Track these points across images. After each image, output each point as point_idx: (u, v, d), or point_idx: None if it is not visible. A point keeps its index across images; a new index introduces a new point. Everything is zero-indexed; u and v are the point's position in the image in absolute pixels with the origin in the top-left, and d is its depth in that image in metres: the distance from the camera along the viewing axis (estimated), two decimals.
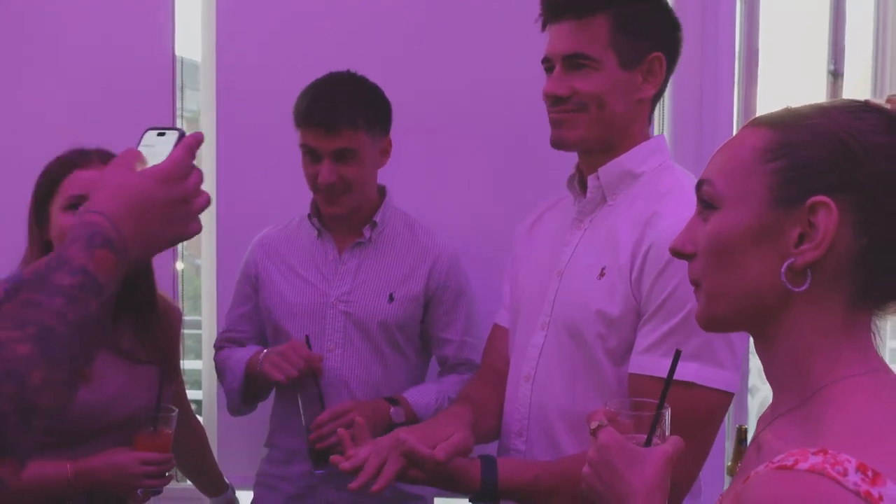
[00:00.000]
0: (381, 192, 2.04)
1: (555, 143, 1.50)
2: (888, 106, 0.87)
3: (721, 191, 0.91)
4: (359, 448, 1.42)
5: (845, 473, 0.75)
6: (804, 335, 0.88)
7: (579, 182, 1.56)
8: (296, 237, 2.05)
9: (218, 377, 2.06)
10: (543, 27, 1.50)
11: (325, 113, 1.86)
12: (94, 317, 0.89)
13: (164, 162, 1.01)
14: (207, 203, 1.06)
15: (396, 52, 2.30)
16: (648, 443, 1.05)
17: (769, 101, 2.42)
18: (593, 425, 1.05)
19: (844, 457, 0.76)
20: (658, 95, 1.52)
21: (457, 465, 1.40)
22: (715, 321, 0.95)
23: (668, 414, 1.08)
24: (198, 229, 1.06)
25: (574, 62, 1.45)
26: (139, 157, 1.01)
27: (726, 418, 2.40)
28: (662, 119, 2.39)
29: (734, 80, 2.35)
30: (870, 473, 0.75)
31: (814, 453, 0.77)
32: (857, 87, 2.57)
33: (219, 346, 2.08)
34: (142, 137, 1.07)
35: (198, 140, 1.05)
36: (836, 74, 2.45)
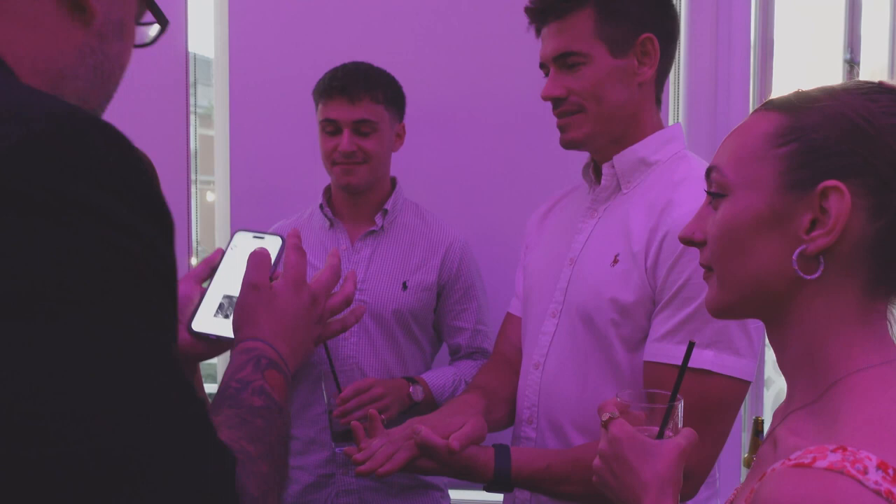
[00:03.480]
0: (392, 182, 2.06)
1: (564, 146, 1.52)
2: None
3: (730, 178, 0.90)
4: (372, 440, 1.43)
5: (865, 472, 0.72)
6: (817, 323, 0.86)
7: (594, 170, 1.56)
8: (308, 228, 2.06)
9: None
10: (537, 34, 1.51)
11: (347, 84, 1.92)
12: (285, 438, 0.86)
13: (286, 271, 1.01)
14: (343, 304, 1.05)
15: (408, 46, 2.31)
16: (661, 435, 1.04)
17: (785, 91, 2.39)
18: (604, 417, 1.04)
19: (864, 454, 0.74)
20: (662, 76, 1.51)
21: (470, 454, 1.40)
22: (724, 308, 0.93)
23: (680, 406, 1.06)
24: (337, 329, 1.06)
25: (564, 61, 1.45)
26: (266, 263, 1.00)
27: (742, 410, 2.39)
28: (677, 110, 2.37)
29: (749, 70, 2.34)
30: (891, 472, 0.73)
31: (832, 451, 0.75)
32: (874, 76, 2.54)
33: None
34: (232, 238, 1.10)
35: (299, 237, 1.06)
36: (852, 63, 2.42)
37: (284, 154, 2.33)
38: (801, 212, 0.84)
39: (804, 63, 2.51)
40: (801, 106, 0.87)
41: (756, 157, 0.88)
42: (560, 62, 1.46)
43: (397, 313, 1.97)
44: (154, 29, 0.92)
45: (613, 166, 1.50)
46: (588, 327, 1.45)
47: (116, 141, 0.62)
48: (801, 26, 2.48)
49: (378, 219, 2.00)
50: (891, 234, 0.83)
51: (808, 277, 0.84)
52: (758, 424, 2.32)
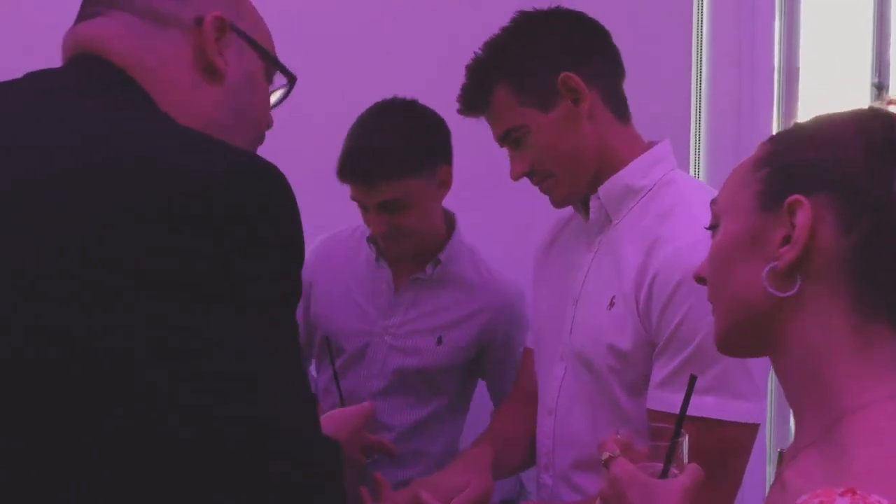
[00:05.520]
0: (450, 221, 1.86)
1: (556, 207, 1.50)
2: (893, 109, 0.84)
3: (720, 206, 0.91)
4: None
5: None
6: (812, 349, 0.83)
7: (582, 203, 1.49)
8: (356, 254, 1.92)
9: None
10: None
11: (359, 168, 1.70)
12: None
13: None
14: None
15: (406, 57, 2.23)
16: (665, 474, 1.00)
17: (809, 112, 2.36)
18: (604, 456, 1.00)
19: (875, 499, 0.70)
20: (610, 92, 1.44)
21: None
22: (723, 338, 0.92)
23: (685, 442, 1.03)
24: None
25: (510, 139, 1.43)
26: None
27: (766, 442, 2.33)
28: (699, 140, 2.33)
29: (773, 93, 2.31)
30: None
31: (841, 494, 0.71)
32: None
33: None
34: None
35: None
36: (880, 87, 2.38)
37: (292, 166, 2.26)
38: (775, 230, 0.84)
39: (830, 86, 2.46)
40: (788, 133, 0.89)
41: (741, 184, 0.89)
42: (509, 141, 1.44)
43: (424, 369, 1.84)
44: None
45: (599, 198, 1.43)
46: (590, 372, 1.40)
47: (283, 182, 0.82)
48: (827, 49, 2.45)
49: (429, 268, 1.84)
50: (865, 250, 0.81)
51: (783, 294, 0.83)
52: (783, 457, 2.26)
